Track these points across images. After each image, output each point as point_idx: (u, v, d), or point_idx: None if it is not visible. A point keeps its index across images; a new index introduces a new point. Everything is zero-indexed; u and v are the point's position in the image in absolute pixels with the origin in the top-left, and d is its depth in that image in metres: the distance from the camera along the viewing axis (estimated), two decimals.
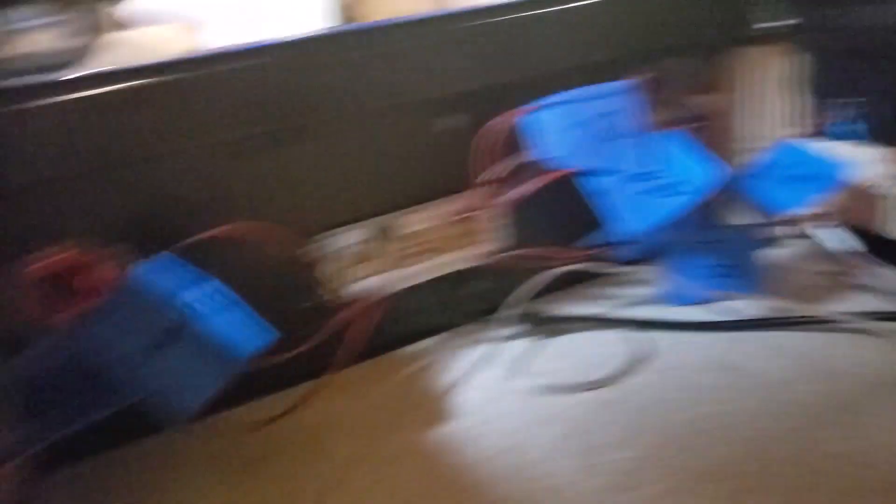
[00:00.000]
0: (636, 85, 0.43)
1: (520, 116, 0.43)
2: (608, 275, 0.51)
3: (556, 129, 0.44)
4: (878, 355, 0.39)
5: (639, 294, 0.49)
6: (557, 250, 0.47)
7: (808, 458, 0.32)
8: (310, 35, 0.42)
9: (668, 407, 0.38)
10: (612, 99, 0.44)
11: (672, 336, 0.44)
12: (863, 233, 0.49)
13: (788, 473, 0.32)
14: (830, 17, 0.47)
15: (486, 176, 0.44)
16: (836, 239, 0.48)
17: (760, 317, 0.44)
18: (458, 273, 0.47)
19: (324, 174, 0.43)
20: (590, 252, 0.48)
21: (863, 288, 0.46)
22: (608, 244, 0.48)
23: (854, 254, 0.48)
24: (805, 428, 0.34)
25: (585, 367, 0.42)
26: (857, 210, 0.48)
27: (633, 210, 0.44)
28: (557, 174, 0.44)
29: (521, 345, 0.46)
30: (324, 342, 0.40)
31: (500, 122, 0.43)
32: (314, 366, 0.41)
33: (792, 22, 0.49)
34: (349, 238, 0.44)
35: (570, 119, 0.44)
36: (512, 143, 0.44)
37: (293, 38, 0.41)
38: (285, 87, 0.40)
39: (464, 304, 0.49)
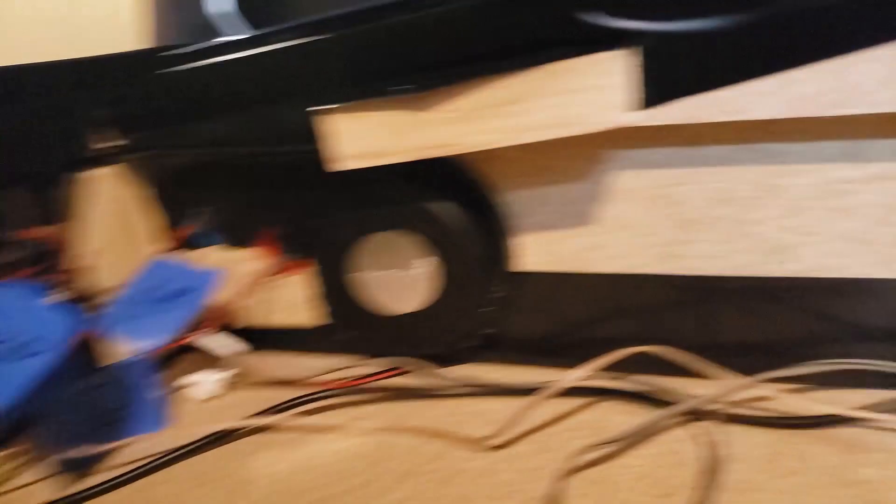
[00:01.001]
0: None
1: None
2: None
3: None
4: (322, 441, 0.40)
5: (15, 480, 0.40)
6: None
7: None
8: None
9: None
10: None
11: None
12: (244, 330, 0.50)
13: None
14: (167, 136, 0.46)
15: None
16: (223, 344, 0.48)
17: (174, 448, 0.40)
18: None
19: None
20: None
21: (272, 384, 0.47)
22: None
23: (243, 352, 0.48)
24: None
25: None
26: (233, 310, 0.50)
27: None
28: None
29: None
30: None
31: None
32: None
33: (133, 141, 0.47)
34: None
35: None
36: None
37: None
38: None
39: None
